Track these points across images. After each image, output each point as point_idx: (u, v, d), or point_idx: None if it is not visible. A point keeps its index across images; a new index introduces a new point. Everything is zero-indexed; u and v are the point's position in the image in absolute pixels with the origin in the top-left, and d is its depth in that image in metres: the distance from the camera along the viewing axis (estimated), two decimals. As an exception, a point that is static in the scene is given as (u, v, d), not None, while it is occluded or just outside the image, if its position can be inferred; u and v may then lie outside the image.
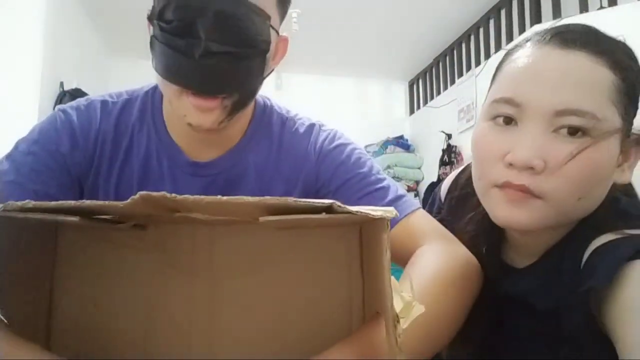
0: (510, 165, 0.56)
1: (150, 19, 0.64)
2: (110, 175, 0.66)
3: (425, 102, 4.49)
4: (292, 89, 4.31)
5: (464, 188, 0.71)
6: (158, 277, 0.52)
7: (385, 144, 4.40)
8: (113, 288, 0.51)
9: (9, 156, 0.61)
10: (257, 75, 0.64)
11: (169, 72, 0.60)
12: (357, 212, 0.37)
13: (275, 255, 0.53)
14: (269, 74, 0.70)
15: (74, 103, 0.68)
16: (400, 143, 4.46)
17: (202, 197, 0.38)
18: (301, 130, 0.72)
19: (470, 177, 0.71)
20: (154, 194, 0.37)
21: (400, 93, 4.91)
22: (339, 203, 0.38)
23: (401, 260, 0.60)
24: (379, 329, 0.43)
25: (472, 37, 3.70)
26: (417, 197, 4.12)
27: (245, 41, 0.60)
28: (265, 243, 0.53)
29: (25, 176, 0.58)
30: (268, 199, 0.37)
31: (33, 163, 0.61)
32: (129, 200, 0.36)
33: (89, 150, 0.65)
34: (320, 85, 4.59)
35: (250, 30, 0.60)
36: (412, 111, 4.80)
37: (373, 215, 0.37)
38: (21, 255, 0.46)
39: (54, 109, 2.62)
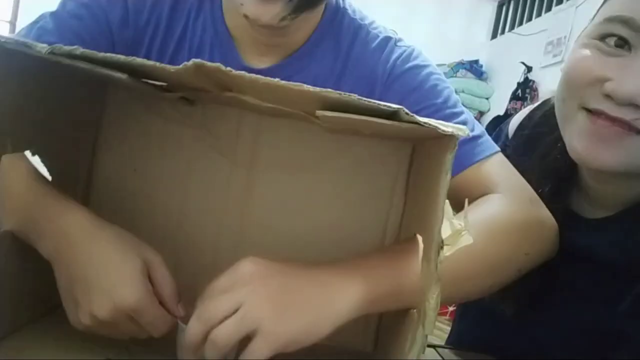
0: (608, 96, 0.47)
1: None
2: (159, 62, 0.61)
3: (512, 28, 4.12)
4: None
5: (538, 126, 0.63)
6: (199, 156, 0.51)
7: (457, 67, 4.14)
8: (154, 157, 0.51)
9: (54, 14, 0.56)
10: None
11: None
12: (425, 123, 0.33)
13: (319, 159, 0.50)
14: None
15: None
16: (474, 68, 4.18)
17: (259, 77, 0.34)
18: (374, 43, 0.61)
19: (547, 115, 0.63)
20: (209, 64, 0.34)
21: (486, 12, 4.49)
22: (406, 110, 0.34)
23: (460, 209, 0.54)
24: (414, 252, 0.41)
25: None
26: (478, 129, 3.93)
27: None
28: (311, 144, 0.50)
29: (68, 41, 0.54)
30: (330, 92, 0.34)
31: (78, 28, 0.56)
32: (181, 66, 0.34)
33: (139, 30, 0.58)
34: (400, -9, 4.27)
35: None
36: (494, 35, 4.43)
37: (443, 131, 0.33)
38: (68, 106, 0.45)
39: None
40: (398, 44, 0.63)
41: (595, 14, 0.53)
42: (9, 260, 0.42)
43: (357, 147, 0.50)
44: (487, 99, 4.10)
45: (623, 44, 0.48)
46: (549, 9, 3.65)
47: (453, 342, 0.77)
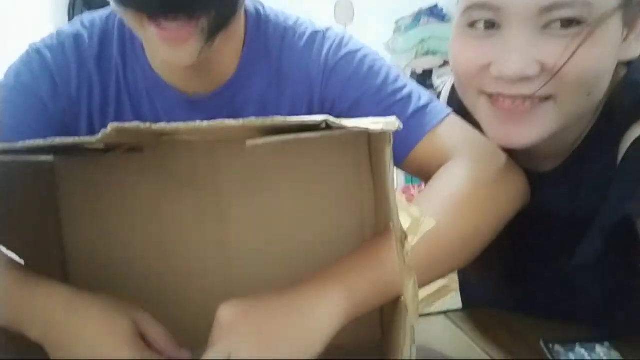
0: (498, 78, 0.47)
1: None
2: (104, 120, 0.59)
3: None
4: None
5: (461, 104, 0.60)
6: (164, 198, 0.51)
7: (418, 16, 4.07)
8: (120, 213, 0.50)
9: None
10: None
11: None
12: (353, 127, 0.33)
13: (282, 170, 0.50)
14: None
15: (46, 39, 0.60)
16: (435, 13, 4.12)
17: (180, 124, 0.34)
18: (302, 42, 0.59)
19: None
20: (127, 124, 0.33)
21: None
22: (332, 119, 0.33)
23: (428, 179, 0.54)
24: (389, 242, 0.41)
25: None
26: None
27: None
28: (269, 156, 0.50)
29: (7, 127, 0.54)
30: (253, 121, 0.33)
31: (14, 113, 0.56)
32: (99, 135, 0.33)
33: (72, 98, 0.57)
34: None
35: None
36: (447, -25, 4.37)
37: (372, 130, 0.33)
38: (19, 193, 0.45)
39: (68, 13, 2.53)
40: (326, 35, 0.61)
41: None
42: (7, 353, 0.43)
43: (315, 150, 0.50)
44: (455, 39, 4.04)
45: (491, 25, 0.47)
46: None
47: (466, 303, 0.78)
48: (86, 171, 0.49)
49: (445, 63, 3.97)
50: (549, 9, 0.44)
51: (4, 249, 0.44)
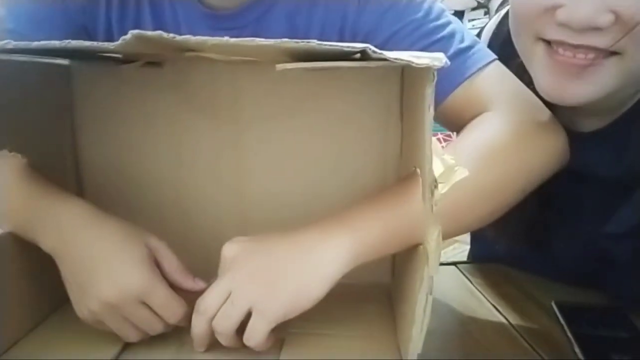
0: (564, 24, 0.41)
1: None
2: (123, 27, 0.55)
3: None
4: None
5: (504, 46, 0.53)
6: (181, 119, 0.49)
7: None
8: (136, 130, 0.49)
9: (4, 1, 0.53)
10: None
11: None
12: (395, 59, 0.30)
13: (305, 101, 0.47)
14: None
15: None
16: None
17: (207, 38, 0.31)
18: None
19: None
20: (149, 33, 0.31)
21: None
22: (373, 48, 0.30)
23: (459, 130, 0.50)
24: (415, 187, 0.39)
25: None
26: (488, 14, 3.69)
27: None
28: (293, 86, 0.47)
29: (24, 25, 0.51)
30: (287, 42, 0.30)
31: (31, 10, 0.52)
32: (119, 41, 0.31)
33: None
34: None
35: None
36: None
37: (416, 64, 0.30)
38: (35, 97, 0.43)
39: None
40: None
41: None
42: (12, 262, 0.42)
43: (343, 82, 0.47)
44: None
45: None
46: None
47: (473, 257, 0.77)
48: (103, 80, 0.47)
49: (479, 5, 3.78)
50: None
51: (19, 156, 0.43)
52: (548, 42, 0.44)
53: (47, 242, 0.41)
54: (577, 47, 0.42)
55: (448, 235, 0.44)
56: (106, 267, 0.39)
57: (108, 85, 0.48)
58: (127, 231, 0.41)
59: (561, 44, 0.43)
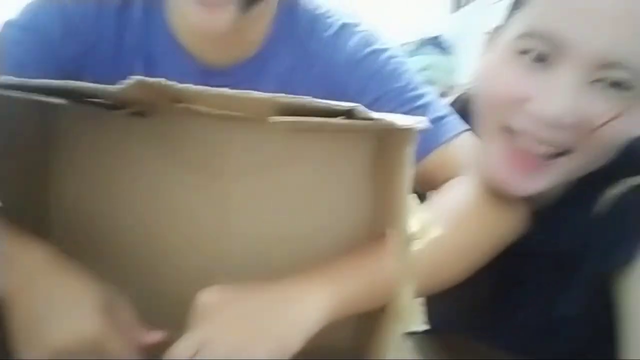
0: (533, 117, 0.43)
1: None
2: (113, 79, 0.57)
3: (472, -1, 4.14)
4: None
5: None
6: (165, 170, 0.49)
7: (421, 44, 4.14)
8: (114, 179, 0.48)
9: None
10: None
11: None
12: (379, 119, 0.32)
13: (289, 157, 0.49)
14: None
15: None
16: (437, 43, 4.18)
17: (206, 88, 0.33)
18: (330, 32, 0.59)
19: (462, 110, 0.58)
20: (151, 80, 0.32)
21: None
22: (361, 107, 0.33)
23: (430, 192, 0.53)
24: (387, 247, 0.40)
25: None
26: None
27: None
28: (279, 143, 0.49)
29: (13, 69, 0.52)
30: (281, 97, 0.32)
31: (21, 55, 0.53)
32: (123, 85, 0.32)
33: (85, 45, 0.56)
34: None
35: None
36: (456, 7, 4.45)
37: (399, 126, 0.32)
38: (11, 135, 0.43)
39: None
40: (355, 29, 0.61)
41: (508, 14, 0.49)
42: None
43: (325, 143, 0.49)
44: (454, 73, 4.11)
45: (543, 58, 0.44)
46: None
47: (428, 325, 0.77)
48: (86, 125, 0.47)
49: (442, 94, 4.03)
50: (611, 66, 0.41)
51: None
52: (511, 132, 0.46)
53: (6, 285, 0.39)
54: (539, 140, 0.44)
55: (422, 292, 0.46)
56: (61, 314, 0.38)
57: (89, 131, 0.48)
58: (87, 280, 0.40)
59: (525, 134, 0.45)
